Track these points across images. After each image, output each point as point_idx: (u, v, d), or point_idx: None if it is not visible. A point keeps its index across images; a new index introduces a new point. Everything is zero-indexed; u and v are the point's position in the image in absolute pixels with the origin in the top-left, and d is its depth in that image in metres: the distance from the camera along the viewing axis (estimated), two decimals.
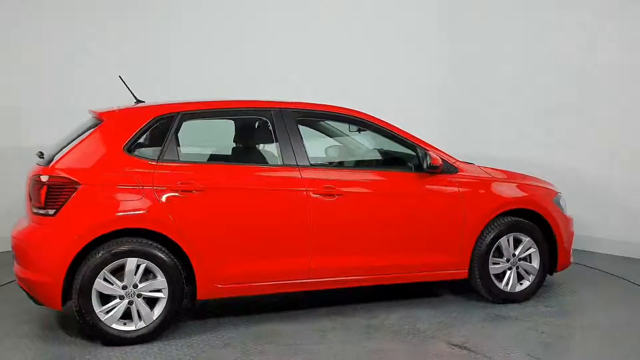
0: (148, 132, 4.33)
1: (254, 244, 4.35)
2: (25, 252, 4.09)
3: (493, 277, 4.98)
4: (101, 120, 4.33)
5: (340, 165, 5.06)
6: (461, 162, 5.04)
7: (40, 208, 4.03)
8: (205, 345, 4.12)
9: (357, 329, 4.43)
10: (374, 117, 4.88)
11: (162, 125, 4.35)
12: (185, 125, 4.45)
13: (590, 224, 6.13)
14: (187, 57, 7.06)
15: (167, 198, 4.16)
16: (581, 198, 5.51)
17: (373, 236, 4.64)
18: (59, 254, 3.96)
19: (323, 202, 4.48)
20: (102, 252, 4.01)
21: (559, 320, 4.67)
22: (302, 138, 4.59)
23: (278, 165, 4.50)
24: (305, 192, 4.45)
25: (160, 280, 4.14)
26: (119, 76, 4.87)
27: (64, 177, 4.03)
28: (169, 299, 4.16)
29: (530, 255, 5.09)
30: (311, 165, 4.56)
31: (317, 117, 4.93)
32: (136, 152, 4.23)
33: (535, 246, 5.07)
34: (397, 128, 4.89)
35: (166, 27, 7.03)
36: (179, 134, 4.41)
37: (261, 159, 4.68)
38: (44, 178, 4.04)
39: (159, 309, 4.16)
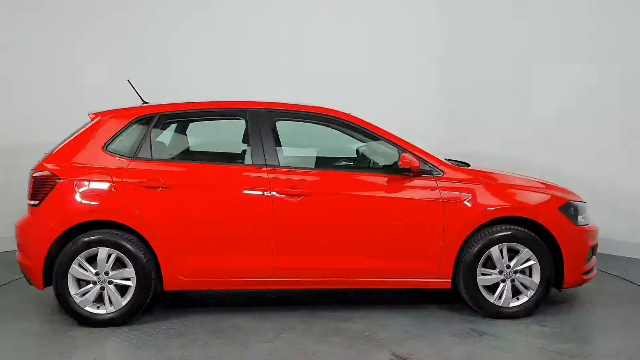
0: (128, 132, 4.67)
1: (216, 240, 4.51)
2: (18, 238, 4.64)
3: (482, 289, 4.62)
4: (91, 120, 4.76)
5: (313, 166, 5.02)
6: (449, 164, 4.75)
7: (30, 199, 4.55)
8: (161, 334, 4.36)
9: (316, 331, 4.39)
10: (353, 116, 4.79)
11: (142, 125, 4.67)
12: (164, 125, 4.73)
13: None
14: (192, 59, 7.31)
15: (135, 193, 4.46)
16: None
17: (339, 238, 4.55)
18: (40, 241, 4.45)
19: (287, 202, 4.50)
20: (77, 240, 4.43)
21: (540, 341, 4.21)
22: (274, 138, 4.63)
23: (246, 165, 4.60)
24: (269, 192, 4.50)
25: (129, 270, 4.46)
26: (128, 80, 5.26)
27: (47, 172, 4.51)
28: (136, 288, 4.46)
29: (530, 267, 4.64)
30: (281, 165, 4.59)
31: (293, 117, 4.91)
32: (115, 150, 4.59)
33: (535, 258, 4.61)
34: (378, 128, 4.75)
35: (171, 29, 7.35)
36: (157, 134, 4.69)
37: (232, 158, 4.82)
38: (33, 172, 4.56)
39: (128, 296, 4.48)
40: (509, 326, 4.49)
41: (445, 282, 4.62)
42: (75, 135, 4.70)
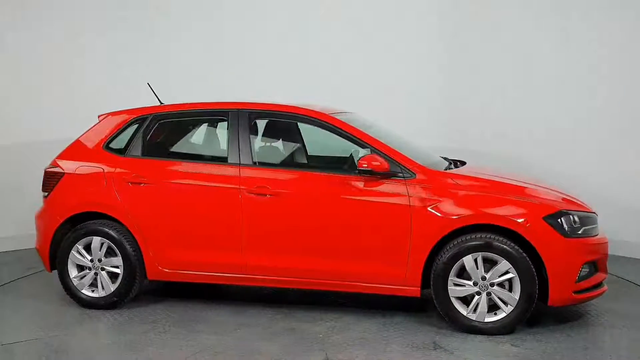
0: (125, 131, 5.07)
1: (190, 235, 4.74)
2: (35, 225, 5.24)
3: (454, 300, 4.33)
4: (98, 120, 5.24)
5: (287, 165, 5.02)
6: (423, 166, 4.47)
7: (42, 191, 5.13)
8: (136, 319, 4.67)
9: (274, 330, 4.42)
10: (331, 117, 4.72)
11: (137, 126, 5.04)
12: (157, 125, 5.06)
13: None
14: (192, 59, 7.44)
15: (122, 188, 4.84)
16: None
17: (304, 238, 4.53)
18: (46, 228, 5.01)
19: (255, 200, 4.58)
20: (76, 229, 4.92)
21: None
22: (250, 138, 4.74)
23: (222, 163, 4.76)
24: (239, 190, 4.62)
25: (118, 258, 4.85)
26: (148, 83, 5.68)
27: (55, 168, 5.06)
28: (123, 275, 4.84)
29: (510, 281, 4.24)
30: (254, 164, 4.69)
31: (272, 117, 4.98)
32: (112, 149, 5.02)
33: (515, 271, 4.21)
34: (353, 128, 4.64)
35: (171, 29, 7.51)
36: (148, 133, 5.02)
37: (211, 157, 4.98)
38: (46, 168, 5.14)
39: (117, 283, 4.87)
40: (476, 343, 4.16)
41: (413, 289, 4.40)
42: (83, 134, 5.20)
